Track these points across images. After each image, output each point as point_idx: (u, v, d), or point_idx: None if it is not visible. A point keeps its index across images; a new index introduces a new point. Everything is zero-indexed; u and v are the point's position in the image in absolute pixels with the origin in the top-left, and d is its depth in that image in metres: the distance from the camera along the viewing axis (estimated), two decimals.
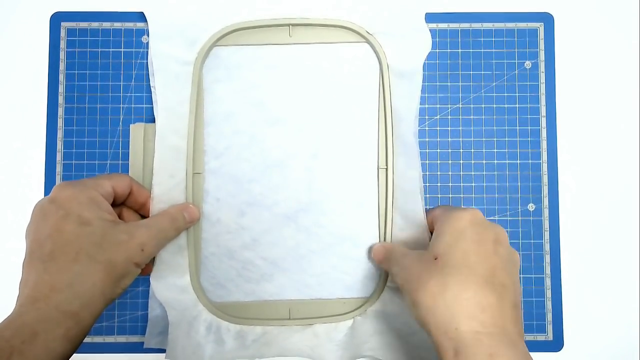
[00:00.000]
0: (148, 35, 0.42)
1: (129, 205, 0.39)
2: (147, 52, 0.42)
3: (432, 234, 0.38)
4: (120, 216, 0.38)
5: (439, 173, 0.42)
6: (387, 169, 0.41)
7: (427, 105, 0.42)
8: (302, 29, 0.42)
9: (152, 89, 0.41)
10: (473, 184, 0.42)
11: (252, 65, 0.42)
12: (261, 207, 0.41)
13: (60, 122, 0.42)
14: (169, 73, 0.40)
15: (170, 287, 0.39)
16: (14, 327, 0.29)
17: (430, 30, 0.41)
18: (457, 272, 0.31)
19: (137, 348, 0.41)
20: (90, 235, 0.32)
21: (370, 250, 0.41)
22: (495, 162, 0.42)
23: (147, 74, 0.42)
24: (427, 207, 0.42)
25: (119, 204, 0.38)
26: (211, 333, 0.40)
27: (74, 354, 0.35)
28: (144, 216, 0.40)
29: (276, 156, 0.41)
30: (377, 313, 0.40)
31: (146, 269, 0.38)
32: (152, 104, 0.42)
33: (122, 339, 0.41)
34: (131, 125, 0.41)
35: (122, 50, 0.42)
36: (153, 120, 0.41)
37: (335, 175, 0.42)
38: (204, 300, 0.40)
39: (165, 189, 0.40)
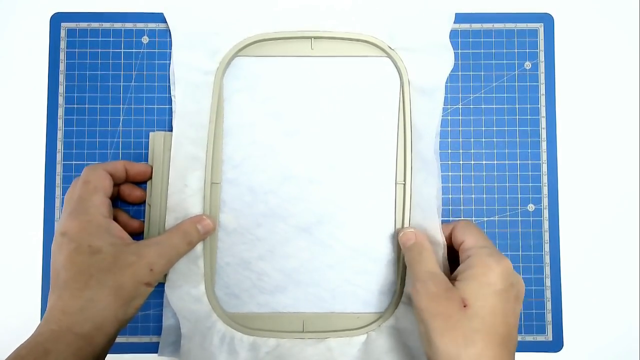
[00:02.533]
0: (148, 37, 0.42)
1: (128, 181, 0.40)
2: (147, 51, 0.42)
3: (447, 246, 0.38)
4: (120, 193, 0.40)
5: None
6: (404, 184, 0.41)
7: None
8: (324, 41, 0.42)
9: (172, 98, 0.41)
10: (473, 184, 0.42)
11: (272, 76, 0.42)
12: (277, 218, 0.41)
13: (60, 123, 0.42)
14: (189, 82, 0.40)
15: (184, 296, 0.39)
16: (30, 346, 0.30)
17: None
18: (484, 329, 0.32)
19: (137, 348, 0.41)
20: (100, 262, 0.33)
21: (386, 263, 0.41)
22: (495, 162, 0.42)
23: (147, 75, 0.42)
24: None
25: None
26: (225, 344, 0.39)
27: None
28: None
29: (294, 168, 0.41)
30: (391, 329, 0.40)
31: None
32: (152, 105, 0.42)
33: (122, 339, 0.41)
34: (151, 134, 0.41)
35: (122, 50, 0.42)
36: (156, 122, 0.41)
37: (352, 189, 0.41)
38: (219, 311, 0.40)
39: (180, 199, 0.39)
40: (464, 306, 0.32)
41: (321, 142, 0.42)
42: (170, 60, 0.42)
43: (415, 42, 0.41)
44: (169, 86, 0.41)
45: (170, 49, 0.42)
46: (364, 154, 0.41)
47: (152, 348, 0.41)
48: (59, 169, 0.42)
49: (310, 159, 0.41)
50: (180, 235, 0.37)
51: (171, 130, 0.40)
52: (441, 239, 0.39)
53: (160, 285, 0.39)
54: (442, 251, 0.39)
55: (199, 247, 0.39)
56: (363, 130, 0.42)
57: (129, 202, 0.41)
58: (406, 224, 0.40)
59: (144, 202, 0.40)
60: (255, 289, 0.41)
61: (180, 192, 0.40)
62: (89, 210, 0.34)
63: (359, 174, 0.41)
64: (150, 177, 0.40)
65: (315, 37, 0.42)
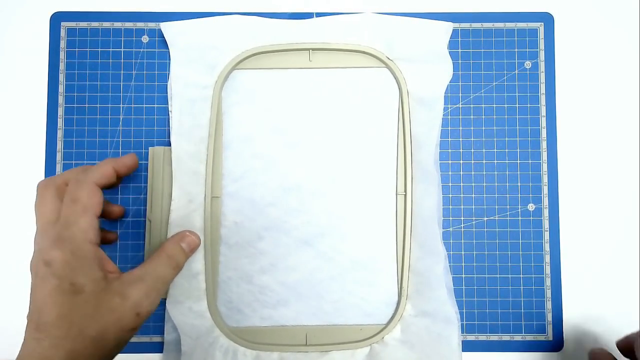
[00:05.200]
0: (148, 36, 0.42)
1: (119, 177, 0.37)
2: (147, 51, 0.42)
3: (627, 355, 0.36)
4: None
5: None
6: (405, 195, 0.41)
7: None
8: (322, 53, 0.42)
9: (170, 114, 0.41)
10: (473, 184, 0.42)
11: (271, 89, 0.42)
12: (279, 231, 0.41)
13: (60, 122, 0.42)
14: (187, 97, 0.40)
15: (186, 312, 0.39)
16: None
17: None
18: None
19: (136, 348, 0.41)
20: (82, 306, 0.31)
21: (388, 274, 0.41)
22: (495, 162, 0.42)
23: (147, 74, 0.42)
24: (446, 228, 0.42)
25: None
26: (228, 358, 0.39)
27: None
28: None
29: (294, 180, 0.41)
30: (394, 341, 0.40)
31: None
32: (152, 104, 0.42)
33: None
34: (150, 149, 0.41)
35: (122, 50, 0.42)
36: (156, 121, 0.42)
37: (353, 201, 0.41)
38: (221, 325, 0.40)
39: (183, 214, 0.40)
40: None
41: (321, 154, 0.41)
42: (169, 59, 0.42)
43: (414, 53, 0.41)
44: (169, 86, 0.41)
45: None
46: (365, 165, 0.41)
47: (152, 348, 0.41)
48: (58, 168, 0.42)
49: (310, 171, 0.41)
50: (165, 262, 0.35)
51: (170, 140, 0.40)
52: (442, 250, 0.39)
53: None
54: (444, 263, 0.39)
55: (201, 263, 0.39)
56: (363, 141, 0.41)
57: (110, 219, 0.40)
58: (407, 236, 0.40)
59: (122, 216, 0.41)
60: (257, 303, 0.41)
61: (184, 208, 0.40)
62: (75, 237, 0.32)
63: (360, 185, 0.41)
64: (138, 166, 0.38)
65: (313, 49, 0.41)
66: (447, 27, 0.41)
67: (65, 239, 0.32)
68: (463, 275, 0.41)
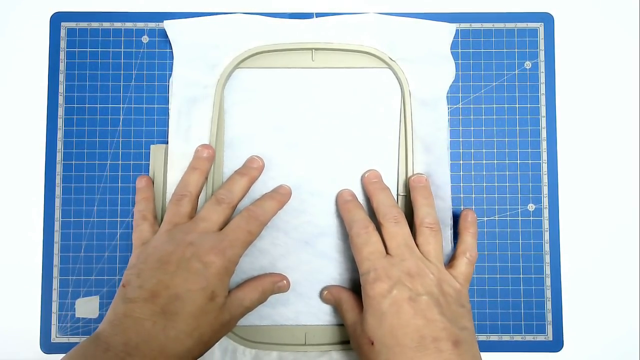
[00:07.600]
0: (148, 36, 0.42)
1: None
2: (147, 51, 0.42)
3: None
4: None
5: None
6: (406, 196, 0.41)
7: None
8: (325, 53, 0.42)
9: (170, 112, 0.41)
10: (473, 184, 0.42)
11: (273, 88, 0.42)
12: (279, 231, 0.41)
13: (60, 122, 0.42)
14: (189, 96, 0.40)
15: None
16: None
17: None
18: (392, 354, 0.32)
19: None
20: (210, 313, 0.35)
21: None
22: (495, 162, 0.42)
23: (147, 75, 0.42)
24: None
25: None
26: (227, 357, 0.39)
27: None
28: None
29: (295, 180, 0.41)
30: None
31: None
32: (152, 104, 0.42)
33: None
34: (152, 146, 0.41)
35: (122, 50, 0.42)
36: (156, 121, 0.42)
37: None
38: None
39: None
40: (372, 344, 0.33)
41: (322, 154, 0.41)
42: (170, 59, 0.42)
43: (417, 54, 0.41)
44: (169, 86, 0.41)
45: (171, 49, 0.42)
46: (366, 166, 0.41)
47: None
48: (59, 168, 0.42)
49: (311, 171, 0.41)
50: (258, 296, 0.39)
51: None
52: (449, 252, 0.39)
53: None
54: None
55: None
56: (364, 142, 0.41)
57: None
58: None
59: None
60: None
61: None
62: (233, 258, 0.36)
63: (361, 185, 0.41)
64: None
65: (315, 49, 0.41)
66: (450, 29, 0.41)
67: (226, 255, 0.35)
68: None
